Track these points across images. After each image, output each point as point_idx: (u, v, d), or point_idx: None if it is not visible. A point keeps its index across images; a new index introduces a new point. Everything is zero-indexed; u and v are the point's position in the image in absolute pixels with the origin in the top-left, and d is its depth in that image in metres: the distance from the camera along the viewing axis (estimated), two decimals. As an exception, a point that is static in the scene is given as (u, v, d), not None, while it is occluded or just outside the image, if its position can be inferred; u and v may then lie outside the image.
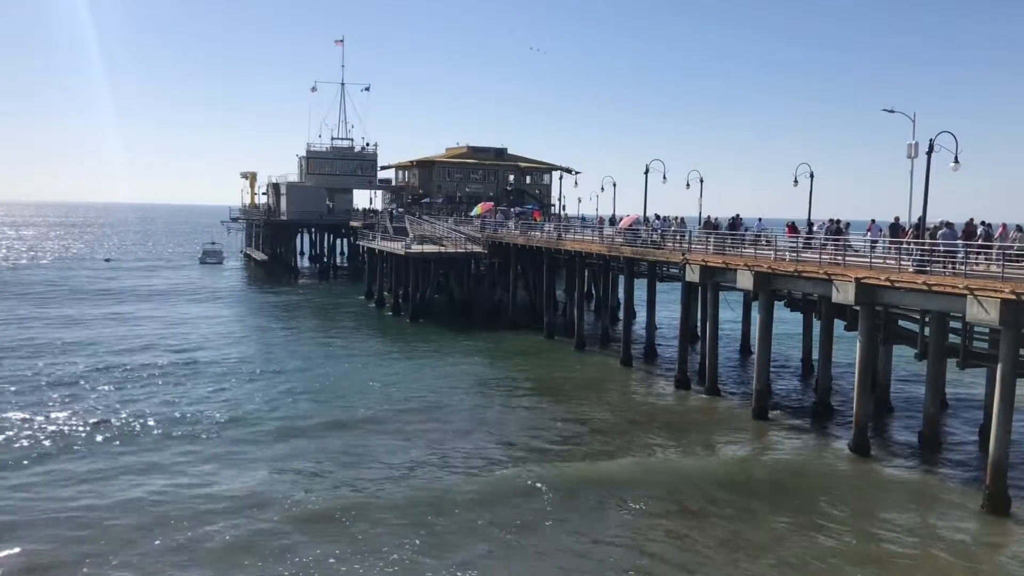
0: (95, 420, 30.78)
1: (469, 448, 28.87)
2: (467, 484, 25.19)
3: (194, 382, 37.66)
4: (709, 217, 43.35)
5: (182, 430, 30.02)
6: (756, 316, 35.40)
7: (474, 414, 33.46)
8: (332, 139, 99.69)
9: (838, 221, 36.63)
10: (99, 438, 28.85)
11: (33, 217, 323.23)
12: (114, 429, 29.84)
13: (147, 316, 58.06)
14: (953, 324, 30.52)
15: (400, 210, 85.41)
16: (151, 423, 30.73)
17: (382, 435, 30.17)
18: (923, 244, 27.88)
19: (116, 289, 74.91)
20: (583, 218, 69.20)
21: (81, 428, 29.87)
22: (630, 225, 46.42)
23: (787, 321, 47.08)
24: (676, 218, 46.27)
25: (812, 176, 41.09)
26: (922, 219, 30.66)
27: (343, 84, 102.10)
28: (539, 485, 25.14)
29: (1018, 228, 29.78)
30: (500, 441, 29.86)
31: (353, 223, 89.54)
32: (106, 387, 36.19)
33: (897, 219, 32.50)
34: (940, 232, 28.21)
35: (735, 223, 40.56)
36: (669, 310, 55.99)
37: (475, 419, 32.68)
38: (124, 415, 31.65)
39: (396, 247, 62.53)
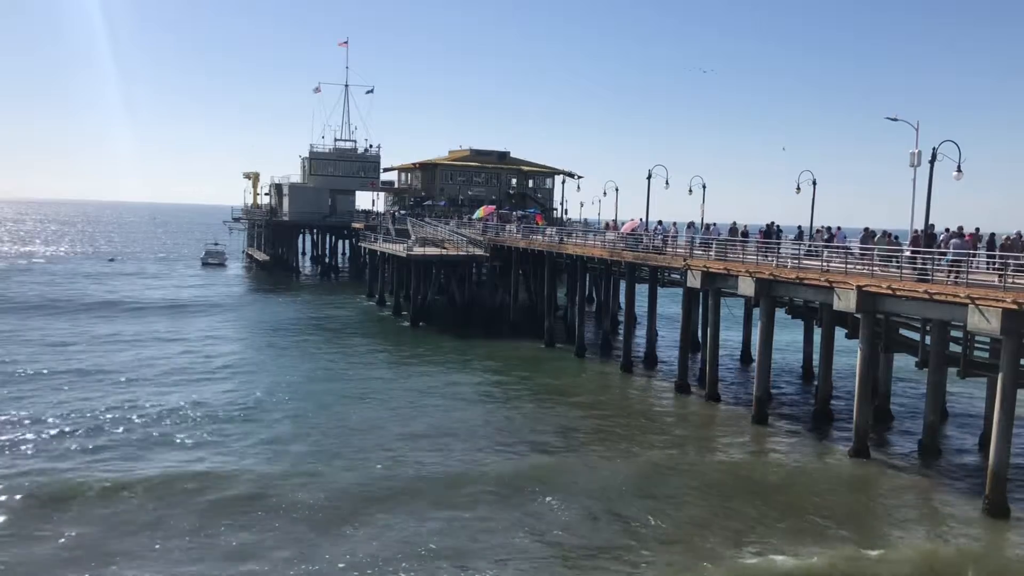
0: (83, 476, 25.08)
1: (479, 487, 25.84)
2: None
3: (193, 426, 31.16)
4: (735, 224, 41.62)
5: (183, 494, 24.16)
6: (757, 322, 35.43)
7: (479, 444, 30.16)
8: (335, 140, 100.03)
9: (828, 228, 36.75)
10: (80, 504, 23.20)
11: (38, 215, 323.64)
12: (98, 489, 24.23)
13: (148, 335, 51.20)
14: (954, 333, 30.57)
15: (402, 212, 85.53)
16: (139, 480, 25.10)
17: (390, 476, 26.40)
18: (926, 252, 27.91)
19: (116, 299, 68.86)
20: (585, 221, 69.30)
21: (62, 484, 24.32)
22: (631, 231, 46.48)
23: (788, 328, 47.16)
24: (675, 224, 46.27)
25: (815, 183, 41.21)
26: (924, 227, 30.67)
27: (347, 86, 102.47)
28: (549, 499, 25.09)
29: (1019, 235, 29.81)
30: (506, 470, 27.34)
31: (355, 225, 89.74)
32: (100, 431, 29.97)
33: (895, 233, 32.51)
34: (951, 241, 28.19)
35: (770, 231, 39.13)
36: (670, 316, 56.08)
37: (479, 455, 28.95)
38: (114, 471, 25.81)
39: (398, 249, 62.59)
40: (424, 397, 37.19)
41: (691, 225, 44.54)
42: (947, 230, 30.00)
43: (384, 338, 53.80)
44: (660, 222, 46.94)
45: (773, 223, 40.18)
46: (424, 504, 23.94)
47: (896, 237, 33.23)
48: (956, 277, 26.16)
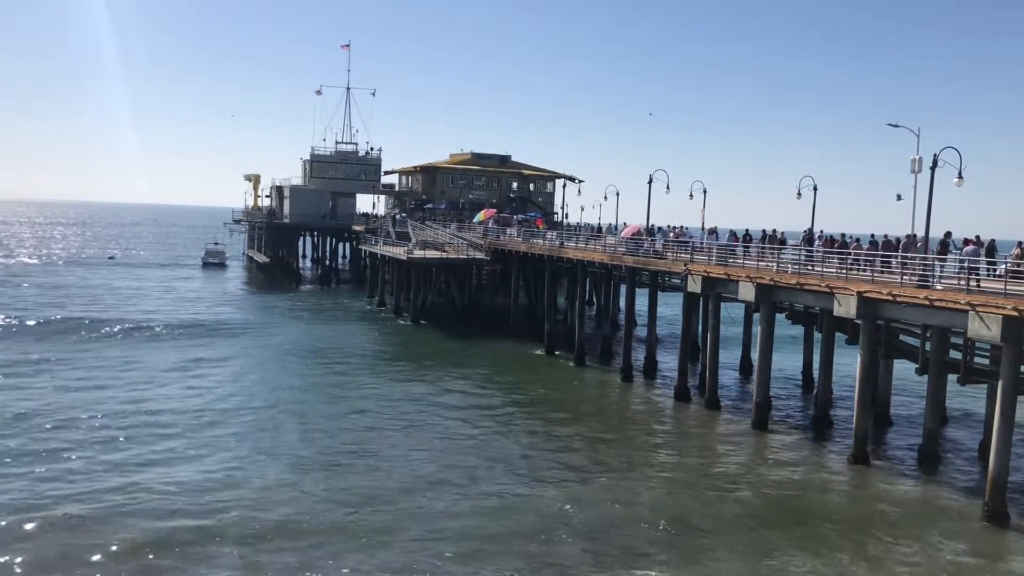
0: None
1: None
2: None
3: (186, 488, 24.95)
4: (773, 231, 40.41)
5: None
6: (757, 328, 35.38)
7: (480, 458, 29.06)
8: (336, 143, 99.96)
9: (831, 235, 36.73)
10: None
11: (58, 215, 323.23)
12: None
13: (146, 361, 43.51)
14: (954, 340, 30.55)
15: (403, 215, 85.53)
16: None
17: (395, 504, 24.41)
18: (927, 259, 27.91)
19: (114, 313, 60.18)
20: (590, 226, 69.16)
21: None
22: (631, 235, 46.42)
23: (788, 334, 47.06)
24: (672, 227, 46.19)
25: (815, 189, 41.19)
26: (925, 234, 30.68)
27: (348, 88, 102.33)
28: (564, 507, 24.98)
29: (1019, 245, 29.76)
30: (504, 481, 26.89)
31: (356, 227, 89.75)
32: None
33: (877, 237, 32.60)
34: (966, 249, 28.16)
35: (809, 237, 37.81)
36: (670, 320, 56.01)
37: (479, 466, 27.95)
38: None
39: (398, 252, 62.60)
40: (424, 417, 34.49)
41: (712, 231, 44.15)
42: (965, 240, 29.72)
43: (383, 344, 53.50)
44: (660, 228, 46.94)
45: (809, 228, 39.90)
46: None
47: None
48: (969, 283, 26.16)
